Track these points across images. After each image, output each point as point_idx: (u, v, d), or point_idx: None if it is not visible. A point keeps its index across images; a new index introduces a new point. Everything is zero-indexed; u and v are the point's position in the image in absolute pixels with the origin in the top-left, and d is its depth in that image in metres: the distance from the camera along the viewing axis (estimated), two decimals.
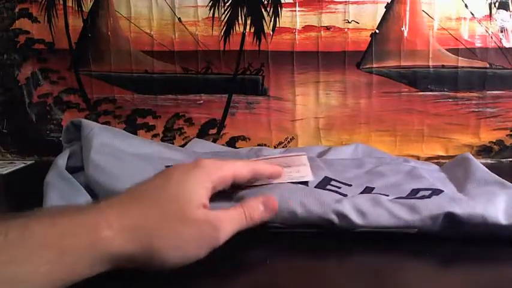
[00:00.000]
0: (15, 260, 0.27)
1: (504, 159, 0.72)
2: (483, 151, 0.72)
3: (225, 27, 0.70)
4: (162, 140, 0.74)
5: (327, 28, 0.69)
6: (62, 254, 0.29)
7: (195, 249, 0.33)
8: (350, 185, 0.49)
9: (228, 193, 0.42)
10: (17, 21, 0.72)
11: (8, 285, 0.27)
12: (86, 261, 0.30)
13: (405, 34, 0.69)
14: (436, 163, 0.63)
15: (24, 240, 0.28)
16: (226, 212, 0.35)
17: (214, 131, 0.74)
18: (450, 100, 0.71)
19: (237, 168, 0.40)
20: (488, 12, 0.68)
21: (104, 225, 0.30)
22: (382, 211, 0.40)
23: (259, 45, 0.70)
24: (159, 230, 0.32)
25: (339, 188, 0.48)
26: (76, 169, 0.51)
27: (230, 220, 0.35)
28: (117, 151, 0.51)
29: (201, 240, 0.33)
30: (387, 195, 0.44)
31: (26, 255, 0.27)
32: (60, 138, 0.59)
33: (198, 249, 0.33)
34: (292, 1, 0.69)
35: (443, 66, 0.70)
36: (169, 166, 0.53)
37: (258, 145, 0.73)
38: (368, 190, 0.48)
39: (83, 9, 0.71)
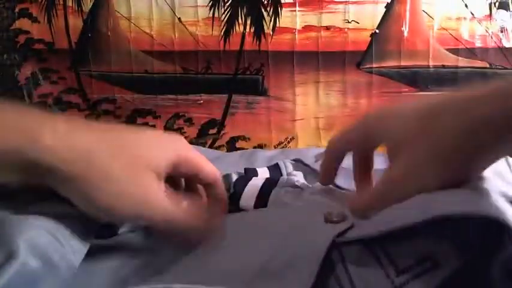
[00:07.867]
0: None
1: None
2: None
3: (225, 27, 0.70)
4: None
5: (327, 28, 0.69)
6: None
7: (124, 200, 0.30)
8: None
9: None
10: (17, 21, 0.72)
11: None
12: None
13: (405, 34, 0.69)
14: None
15: None
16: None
17: (214, 131, 0.74)
18: None
19: (212, 171, 0.35)
20: (488, 12, 0.68)
21: (47, 132, 0.28)
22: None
23: (259, 45, 0.70)
24: (103, 166, 0.29)
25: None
26: None
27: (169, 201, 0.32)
28: None
29: (131, 197, 0.30)
30: None
31: None
32: None
33: (127, 201, 0.30)
34: (292, 1, 0.69)
35: (443, 66, 0.70)
36: None
37: (258, 145, 0.73)
38: None
39: (83, 9, 0.71)
